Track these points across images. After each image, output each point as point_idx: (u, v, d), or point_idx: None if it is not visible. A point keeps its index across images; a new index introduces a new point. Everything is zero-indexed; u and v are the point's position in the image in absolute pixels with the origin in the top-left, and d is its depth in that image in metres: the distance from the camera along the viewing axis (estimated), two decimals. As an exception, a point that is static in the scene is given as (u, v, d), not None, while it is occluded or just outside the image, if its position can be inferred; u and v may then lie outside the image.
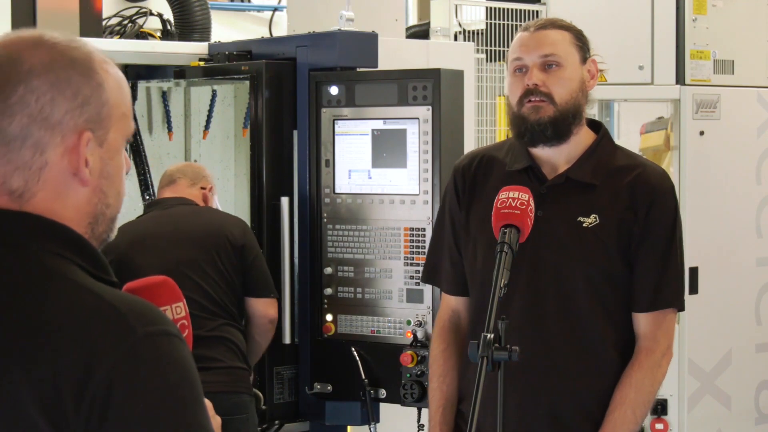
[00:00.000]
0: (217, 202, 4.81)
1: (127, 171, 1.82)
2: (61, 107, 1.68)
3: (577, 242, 2.96)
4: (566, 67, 3.01)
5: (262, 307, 4.48)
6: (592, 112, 6.51)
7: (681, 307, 3.09)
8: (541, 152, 3.06)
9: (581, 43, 3.06)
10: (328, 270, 4.55)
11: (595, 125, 3.15)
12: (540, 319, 2.91)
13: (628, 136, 6.52)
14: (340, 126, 4.52)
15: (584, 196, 2.97)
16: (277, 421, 4.63)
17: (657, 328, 3.03)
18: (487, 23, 5.42)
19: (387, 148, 4.42)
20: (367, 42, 4.55)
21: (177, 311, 1.94)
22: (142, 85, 5.55)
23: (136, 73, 5.39)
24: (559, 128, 2.99)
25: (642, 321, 3.03)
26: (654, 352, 3.03)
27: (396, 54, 4.67)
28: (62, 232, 1.69)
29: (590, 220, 2.98)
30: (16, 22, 4.94)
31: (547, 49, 3.00)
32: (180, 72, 5.04)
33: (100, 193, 1.74)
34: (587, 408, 3.02)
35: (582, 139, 3.07)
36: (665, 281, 3.02)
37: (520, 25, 5.41)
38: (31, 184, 1.69)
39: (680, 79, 5.75)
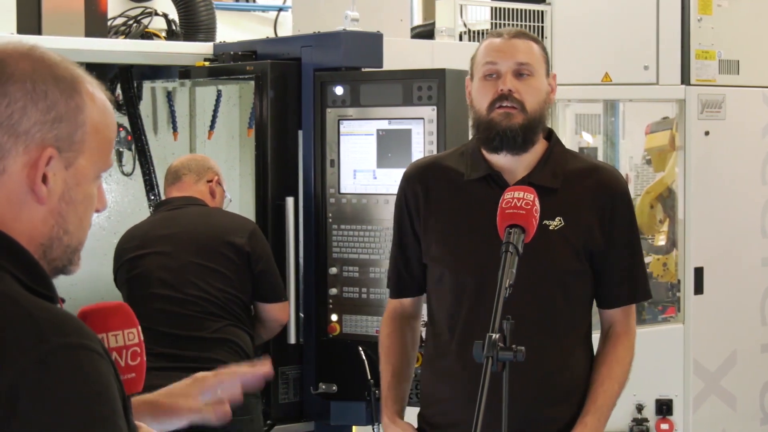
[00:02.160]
0: (226, 192, 4.80)
1: (100, 210, 1.77)
2: (31, 117, 1.65)
3: (544, 245, 2.98)
4: (537, 77, 3.07)
5: (274, 313, 4.49)
6: (597, 112, 6.53)
7: (650, 296, 3.28)
8: (500, 160, 3.10)
9: (546, 56, 3.15)
10: (333, 270, 4.55)
11: (546, 132, 3.20)
12: (517, 320, 2.86)
13: (632, 136, 6.51)
14: (345, 126, 4.52)
15: (547, 200, 2.97)
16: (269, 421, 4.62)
17: (628, 317, 3.20)
18: (492, 23, 5.41)
19: (392, 148, 4.42)
20: (372, 42, 4.54)
21: (129, 337, 1.90)
22: (147, 86, 5.55)
23: (141, 73, 5.40)
24: (527, 136, 3.05)
25: (614, 314, 3.18)
26: (629, 334, 3.18)
27: (401, 54, 4.67)
28: (1, 240, 1.65)
29: (555, 223, 3.05)
30: (22, 22, 4.95)
31: (522, 57, 3.06)
32: (185, 72, 5.05)
33: (58, 217, 1.70)
34: (559, 402, 3.09)
35: (537, 146, 3.13)
36: (636, 277, 3.18)
37: (525, 25, 5.42)
38: None
39: (685, 79, 5.75)
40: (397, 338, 3.30)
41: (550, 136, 3.18)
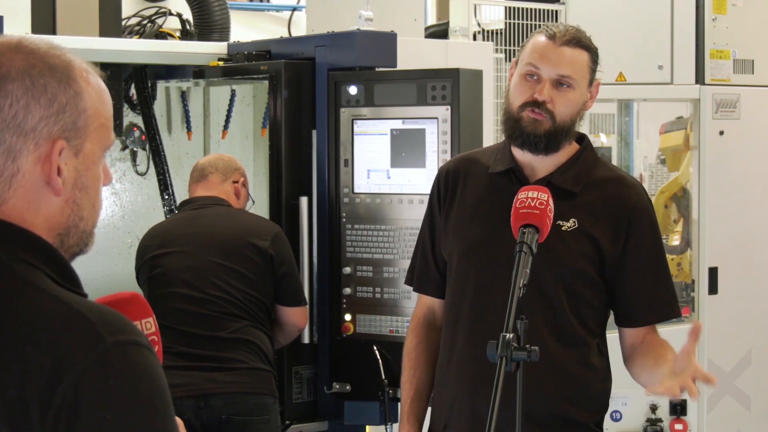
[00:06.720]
0: (251, 195, 4.80)
1: (107, 183, 1.78)
2: (35, 114, 1.65)
3: (556, 244, 2.96)
4: (576, 89, 3.04)
5: (294, 317, 4.48)
6: (611, 112, 6.51)
7: (678, 315, 3.18)
8: (526, 156, 3.09)
9: (594, 65, 3.10)
10: (347, 270, 4.55)
11: (579, 136, 3.18)
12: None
13: (647, 136, 6.51)
14: (359, 126, 4.52)
15: (564, 202, 2.97)
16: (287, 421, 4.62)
17: (654, 331, 3.12)
18: (506, 23, 5.41)
19: (406, 148, 4.42)
20: (386, 42, 4.55)
21: (147, 326, 1.91)
22: (161, 85, 5.57)
23: (155, 73, 5.41)
24: (551, 143, 3.03)
25: (640, 331, 3.11)
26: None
27: (415, 54, 4.67)
28: (33, 241, 1.66)
29: (569, 224, 3.02)
30: (36, 22, 4.96)
31: (565, 69, 3.02)
32: (199, 72, 5.05)
33: (74, 205, 1.70)
34: (559, 407, 3.03)
35: (566, 148, 3.11)
36: (662, 295, 3.11)
37: (539, 25, 5.41)
38: (2, 191, 1.65)
39: (700, 78, 5.74)
40: (423, 352, 3.25)
41: (582, 140, 3.16)
